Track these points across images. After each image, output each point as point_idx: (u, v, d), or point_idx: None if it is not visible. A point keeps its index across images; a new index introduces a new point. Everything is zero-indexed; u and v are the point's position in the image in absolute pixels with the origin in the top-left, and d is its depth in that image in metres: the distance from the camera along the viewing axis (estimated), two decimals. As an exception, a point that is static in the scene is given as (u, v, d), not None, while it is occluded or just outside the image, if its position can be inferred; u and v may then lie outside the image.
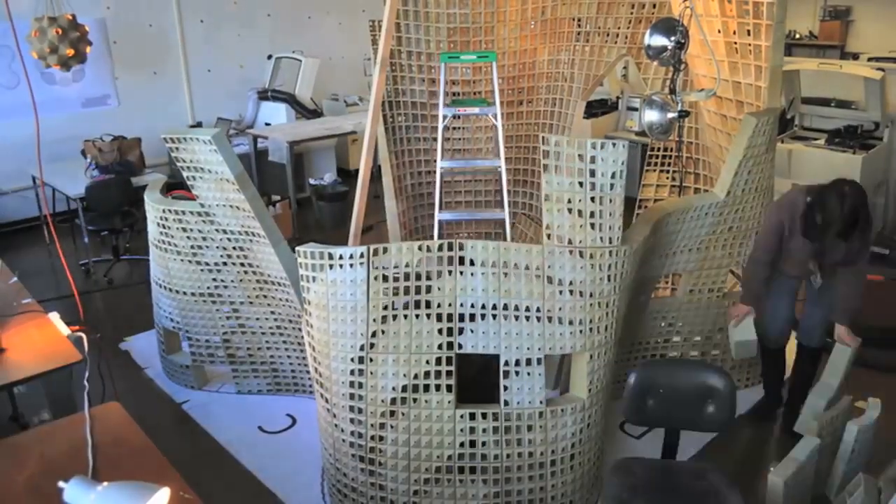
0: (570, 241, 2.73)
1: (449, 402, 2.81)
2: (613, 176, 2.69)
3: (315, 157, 7.42)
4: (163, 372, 4.34)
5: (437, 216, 4.01)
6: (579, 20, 4.71)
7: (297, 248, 2.89)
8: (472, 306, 2.76)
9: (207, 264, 3.80)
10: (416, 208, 4.97)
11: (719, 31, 3.82)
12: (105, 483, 1.68)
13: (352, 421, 2.89)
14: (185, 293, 3.92)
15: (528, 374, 2.79)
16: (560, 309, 2.76)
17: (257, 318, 3.88)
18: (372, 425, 2.86)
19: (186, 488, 1.98)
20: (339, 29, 9.00)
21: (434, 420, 2.83)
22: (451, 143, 4.92)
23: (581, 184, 2.69)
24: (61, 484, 1.67)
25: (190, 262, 3.82)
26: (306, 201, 7.41)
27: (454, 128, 4.92)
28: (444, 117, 3.71)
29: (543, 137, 2.70)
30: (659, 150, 4.83)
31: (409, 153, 4.87)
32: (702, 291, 3.77)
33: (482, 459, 2.86)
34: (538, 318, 2.75)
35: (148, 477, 1.83)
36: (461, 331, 2.77)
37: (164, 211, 3.78)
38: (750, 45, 3.67)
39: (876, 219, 6.02)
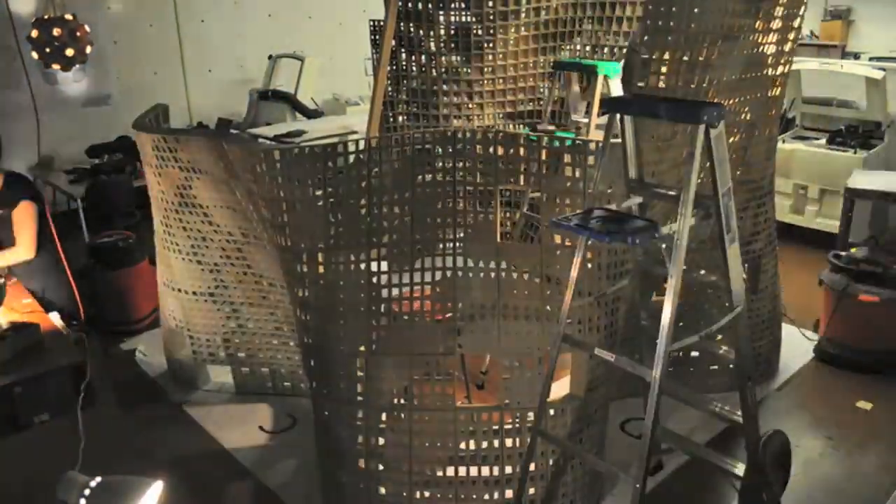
0: (570, 241, 2.72)
1: (449, 403, 2.80)
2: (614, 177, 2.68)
3: (315, 157, 7.42)
4: (164, 371, 4.33)
5: None
6: (580, 20, 4.70)
7: (296, 249, 2.86)
8: (472, 306, 2.75)
9: (208, 264, 3.79)
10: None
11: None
12: (98, 478, 1.68)
13: (350, 425, 2.87)
14: (186, 292, 3.92)
15: (528, 374, 2.78)
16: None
17: (257, 320, 3.87)
18: (371, 428, 2.85)
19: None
20: (339, 29, 8.98)
21: (434, 422, 2.82)
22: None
23: (581, 183, 2.69)
24: (55, 480, 1.68)
25: (191, 261, 3.82)
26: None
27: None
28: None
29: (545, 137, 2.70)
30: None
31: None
32: (702, 291, 3.76)
33: (482, 461, 2.85)
34: (538, 318, 2.75)
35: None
36: (461, 331, 2.77)
37: (165, 209, 3.78)
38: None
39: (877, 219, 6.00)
